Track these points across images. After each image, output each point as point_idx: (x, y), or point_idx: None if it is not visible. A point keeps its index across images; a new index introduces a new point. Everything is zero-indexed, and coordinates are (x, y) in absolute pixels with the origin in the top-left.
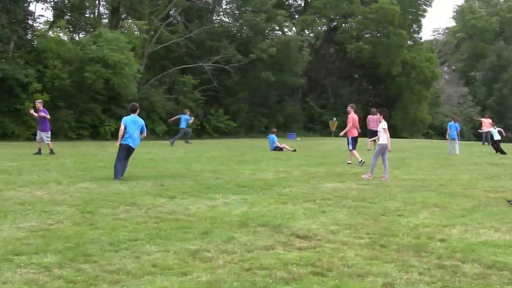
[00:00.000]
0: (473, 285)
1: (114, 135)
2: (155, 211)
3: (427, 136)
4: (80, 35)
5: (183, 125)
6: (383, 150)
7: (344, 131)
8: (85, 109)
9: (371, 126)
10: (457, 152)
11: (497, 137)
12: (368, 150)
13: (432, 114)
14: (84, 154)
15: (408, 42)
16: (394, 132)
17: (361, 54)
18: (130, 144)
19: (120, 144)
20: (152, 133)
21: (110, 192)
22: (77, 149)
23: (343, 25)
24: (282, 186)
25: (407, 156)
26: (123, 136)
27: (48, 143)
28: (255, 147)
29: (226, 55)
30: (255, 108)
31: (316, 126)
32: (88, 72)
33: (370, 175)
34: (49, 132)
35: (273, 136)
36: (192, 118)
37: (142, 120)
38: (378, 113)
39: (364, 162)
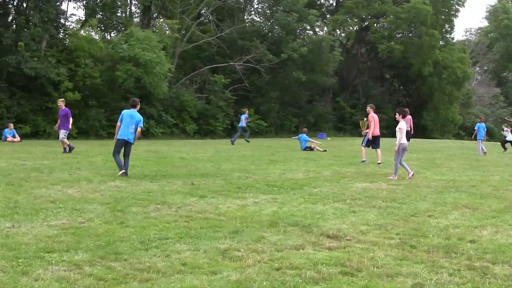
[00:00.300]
0: (503, 286)
1: (145, 134)
2: (185, 210)
3: (458, 136)
4: (112, 34)
5: (242, 123)
6: (403, 149)
7: (368, 130)
8: (116, 108)
9: None
10: (485, 150)
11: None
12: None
13: (463, 115)
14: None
15: (440, 42)
16: (424, 132)
17: (393, 54)
18: (124, 138)
19: (117, 138)
20: (182, 132)
21: (140, 190)
22: (108, 148)
23: (375, 25)
24: (312, 186)
25: (437, 157)
26: (119, 130)
27: (63, 140)
28: (285, 147)
29: (257, 54)
30: (285, 108)
31: (346, 126)
32: (119, 71)
33: (394, 176)
34: (67, 131)
35: (305, 136)
36: (249, 117)
37: (141, 116)
38: (397, 113)
39: (365, 162)
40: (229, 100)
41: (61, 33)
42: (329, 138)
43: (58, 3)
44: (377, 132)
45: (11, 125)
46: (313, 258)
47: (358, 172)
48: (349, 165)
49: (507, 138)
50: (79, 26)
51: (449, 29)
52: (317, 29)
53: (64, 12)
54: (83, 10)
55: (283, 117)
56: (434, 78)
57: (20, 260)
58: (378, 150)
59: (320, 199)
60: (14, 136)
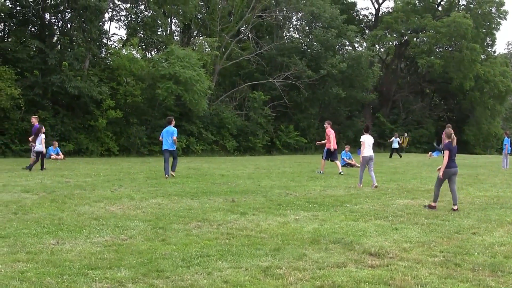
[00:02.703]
0: None
1: (185, 151)
2: (226, 227)
3: (501, 152)
4: (152, 53)
5: (395, 145)
6: (368, 160)
7: (327, 144)
8: (157, 125)
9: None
10: (507, 166)
11: None
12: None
13: (506, 129)
14: (156, 170)
15: (481, 56)
16: (466, 148)
17: (433, 69)
18: (167, 148)
19: (162, 150)
20: (222, 149)
21: (181, 208)
22: (149, 165)
23: (414, 39)
24: (353, 202)
25: (480, 173)
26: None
27: (33, 158)
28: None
29: (296, 71)
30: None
31: (387, 142)
32: (160, 88)
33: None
34: (40, 148)
35: (348, 153)
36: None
37: (175, 128)
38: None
39: (323, 173)
40: (269, 116)
41: (103, 52)
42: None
43: (101, 23)
44: (335, 145)
45: (56, 143)
46: (355, 276)
47: (399, 189)
48: (390, 182)
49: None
50: (121, 45)
51: (490, 42)
52: (356, 45)
53: (106, 32)
54: (125, 29)
55: (322, 133)
56: (475, 92)
57: (65, 277)
58: (337, 162)
59: (361, 216)
60: (58, 154)
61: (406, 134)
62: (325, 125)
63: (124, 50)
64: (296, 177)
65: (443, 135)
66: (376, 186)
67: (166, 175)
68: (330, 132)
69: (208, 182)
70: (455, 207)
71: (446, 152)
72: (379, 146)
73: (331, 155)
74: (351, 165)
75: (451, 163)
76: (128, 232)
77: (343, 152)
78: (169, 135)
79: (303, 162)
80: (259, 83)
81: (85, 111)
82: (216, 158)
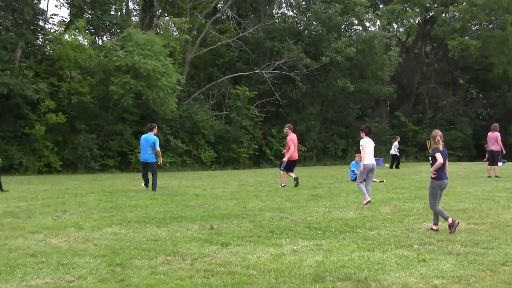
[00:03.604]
0: None
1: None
2: (203, 262)
3: None
4: (104, 38)
5: (393, 151)
6: (369, 170)
7: (286, 153)
8: (111, 133)
9: (490, 146)
10: None
11: None
12: (489, 177)
13: None
14: (111, 190)
15: None
16: None
17: (467, 53)
18: (145, 159)
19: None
20: (196, 161)
21: (145, 238)
22: (102, 184)
23: (443, 15)
24: (367, 227)
25: None
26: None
27: None
28: (330, 177)
29: (291, 58)
30: (328, 127)
31: (409, 148)
32: (115, 84)
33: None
34: None
35: (358, 164)
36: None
37: (156, 137)
38: (360, 131)
39: (285, 186)
40: (256, 118)
41: (40, 39)
42: (386, 165)
43: (36, 1)
44: (296, 155)
45: None
46: None
47: (426, 209)
48: (415, 200)
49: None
50: (63, 29)
51: None
52: (367, 24)
53: (43, 12)
54: (67, 8)
55: (325, 138)
56: None
57: None
58: (284, 172)
59: (378, 244)
60: None
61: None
62: (285, 130)
63: (67, 35)
64: (292, 195)
65: (489, 137)
66: (368, 202)
67: (145, 186)
68: (292, 140)
69: (179, 205)
70: (435, 227)
71: (436, 155)
72: (399, 153)
73: (292, 166)
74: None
75: (442, 172)
76: (76, 271)
77: (353, 162)
78: (149, 144)
79: (302, 176)
80: (243, 75)
81: (17, 116)
82: (189, 173)
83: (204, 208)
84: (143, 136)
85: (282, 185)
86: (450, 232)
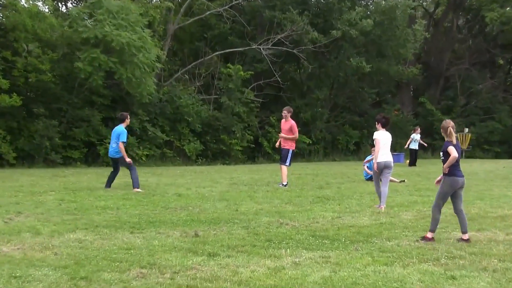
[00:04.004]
0: None
1: None
2: (186, 276)
3: None
4: (69, 5)
5: (414, 145)
6: (384, 168)
7: (292, 143)
8: (76, 119)
9: None
10: None
11: None
12: None
13: None
14: (75, 188)
15: None
16: None
17: (509, 27)
18: (110, 155)
19: None
20: (179, 155)
21: (116, 246)
22: (64, 180)
23: None
24: (384, 236)
25: None
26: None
27: None
28: (340, 175)
29: (294, 32)
30: (339, 115)
31: (436, 142)
32: (81, 61)
33: None
34: None
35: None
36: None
37: (122, 128)
38: (376, 121)
39: (287, 185)
40: (252, 103)
41: None
42: (407, 161)
43: None
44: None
45: None
46: None
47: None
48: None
49: None
50: None
51: None
52: None
53: None
54: None
55: (335, 129)
56: None
57: None
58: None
59: (398, 257)
60: None
61: (467, 130)
62: (284, 113)
63: (23, 1)
64: (295, 197)
65: None
66: (382, 208)
67: (106, 187)
68: (294, 126)
69: (157, 206)
70: (465, 236)
71: (450, 149)
72: (424, 148)
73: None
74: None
75: (456, 170)
76: (31, 286)
77: (368, 158)
78: (114, 137)
79: (306, 173)
80: (236, 51)
81: None
82: (170, 169)
83: (188, 211)
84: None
85: (283, 183)
86: (419, 240)
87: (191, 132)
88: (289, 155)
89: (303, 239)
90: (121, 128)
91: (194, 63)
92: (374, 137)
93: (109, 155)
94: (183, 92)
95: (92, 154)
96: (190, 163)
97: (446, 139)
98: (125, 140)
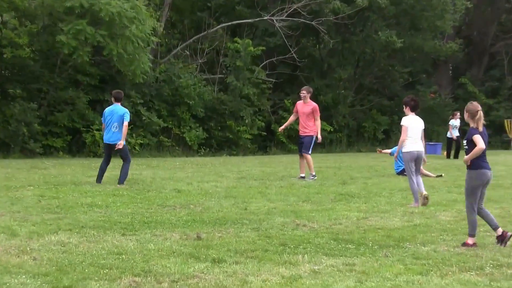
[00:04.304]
0: None
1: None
2: (186, 285)
3: None
4: None
5: (454, 132)
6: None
7: (317, 130)
8: (59, 101)
9: None
10: None
11: None
12: None
13: None
14: (58, 182)
15: None
16: None
17: None
18: (107, 141)
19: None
20: (178, 143)
21: (104, 250)
22: (45, 173)
23: None
24: (419, 240)
25: None
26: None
27: None
28: (366, 169)
29: (313, 1)
30: (365, 97)
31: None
32: (65, 34)
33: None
34: None
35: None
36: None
37: (125, 108)
38: (403, 104)
39: (315, 177)
40: (263, 84)
41: None
42: (445, 152)
43: None
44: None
45: None
46: None
47: (503, 216)
48: (487, 202)
49: None
50: None
51: None
52: None
53: None
54: None
55: (360, 114)
56: None
57: None
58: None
59: (434, 265)
60: None
61: None
62: (302, 94)
63: None
64: (313, 194)
65: None
66: (426, 198)
67: (98, 181)
68: (316, 107)
69: (152, 204)
70: (499, 231)
71: (476, 138)
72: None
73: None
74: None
75: (482, 161)
76: None
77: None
78: (115, 119)
79: (327, 166)
80: (245, 23)
81: None
82: (168, 161)
83: (189, 210)
84: (107, 109)
85: (313, 174)
86: (463, 245)
87: (192, 117)
88: (313, 142)
89: (323, 243)
90: (123, 109)
91: (195, 37)
92: (401, 123)
93: (107, 141)
94: (183, 71)
95: (77, 142)
96: (191, 153)
97: (471, 125)
98: (129, 120)
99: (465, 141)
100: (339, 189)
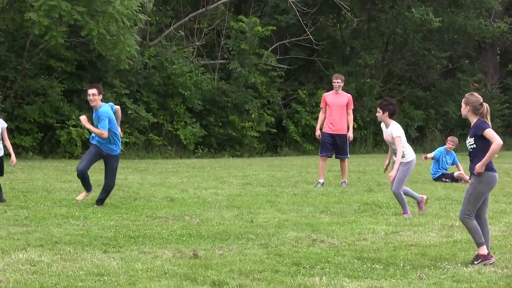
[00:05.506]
0: None
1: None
2: None
3: None
4: None
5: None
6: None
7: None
8: (28, 92)
9: None
10: None
11: None
12: None
13: None
14: (27, 188)
15: None
16: None
17: None
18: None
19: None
20: (170, 143)
21: (83, 271)
22: (11, 177)
23: None
24: (460, 259)
25: None
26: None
27: None
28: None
29: None
30: (396, 87)
31: None
32: (35, 11)
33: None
34: None
35: (451, 153)
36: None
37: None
38: (378, 107)
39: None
40: (273, 72)
41: None
42: (495, 155)
43: None
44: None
45: None
46: None
47: None
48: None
49: None
50: None
51: None
52: None
53: None
54: None
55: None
56: None
57: None
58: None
59: None
60: None
61: None
62: (338, 83)
63: None
64: (333, 203)
65: None
66: (426, 201)
67: (87, 191)
68: (351, 100)
69: (140, 215)
70: (483, 251)
71: (491, 133)
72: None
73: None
74: (456, 179)
75: (491, 162)
76: None
77: (441, 149)
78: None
79: (349, 170)
80: None
81: None
82: (158, 163)
83: (184, 223)
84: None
85: (346, 183)
86: (473, 262)
87: (188, 111)
88: (348, 140)
89: (345, 263)
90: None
91: (192, 15)
92: (397, 134)
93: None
94: (177, 55)
95: (49, 141)
96: (186, 154)
97: (476, 118)
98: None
99: (472, 138)
100: (364, 197)
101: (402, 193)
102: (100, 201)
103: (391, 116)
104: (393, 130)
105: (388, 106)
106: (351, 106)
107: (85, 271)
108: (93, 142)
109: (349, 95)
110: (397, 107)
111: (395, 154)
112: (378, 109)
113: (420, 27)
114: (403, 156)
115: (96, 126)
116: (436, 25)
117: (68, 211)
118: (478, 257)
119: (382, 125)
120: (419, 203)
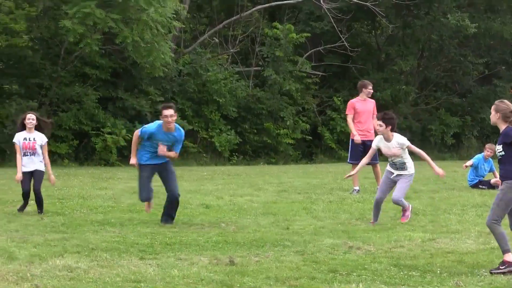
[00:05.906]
0: None
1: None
2: None
3: None
4: None
5: None
6: None
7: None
8: (63, 99)
9: None
10: None
11: None
12: None
13: None
14: (63, 195)
15: None
16: None
17: None
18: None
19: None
20: (205, 149)
21: (119, 277)
22: (47, 184)
23: None
24: (497, 267)
25: None
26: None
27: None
28: (433, 180)
29: None
30: (432, 94)
31: None
32: (69, 18)
33: None
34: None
35: (489, 161)
36: None
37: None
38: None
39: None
40: (308, 78)
41: None
42: None
43: None
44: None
45: None
46: None
47: None
48: None
49: None
50: None
51: None
52: None
53: None
54: None
55: (425, 114)
56: None
57: None
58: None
59: None
60: None
61: None
62: (371, 90)
63: None
64: (369, 210)
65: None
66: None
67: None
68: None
69: (176, 222)
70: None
71: None
72: None
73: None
74: (493, 186)
75: None
76: None
77: (479, 156)
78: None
79: None
80: (286, 4)
81: None
82: (193, 170)
83: (219, 230)
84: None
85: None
86: (498, 268)
87: (223, 118)
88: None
89: (381, 270)
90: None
91: (226, 22)
92: (407, 142)
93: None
94: (211, 62)
95: (84, 148)
96: (221, 161)
97: (506, 125)
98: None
99: (500, 146)
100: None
101: (403, 200)
102: (171, 219)
103: (392, 129)
104: (400, 141)
105: (391, 120)
106: (375, 112)
107: (122, 278)
108: (142, 162)
109: (373, 100)
110: (396, 121)
111: (396, 168)
112: (381, 122)
113: (456, 33)
114: (405, 168)
115: (170, 149)
116: (472, 31)
117: (104, 218)
118: (503, 263)
119: (378, 140)
120: (405, 211)
